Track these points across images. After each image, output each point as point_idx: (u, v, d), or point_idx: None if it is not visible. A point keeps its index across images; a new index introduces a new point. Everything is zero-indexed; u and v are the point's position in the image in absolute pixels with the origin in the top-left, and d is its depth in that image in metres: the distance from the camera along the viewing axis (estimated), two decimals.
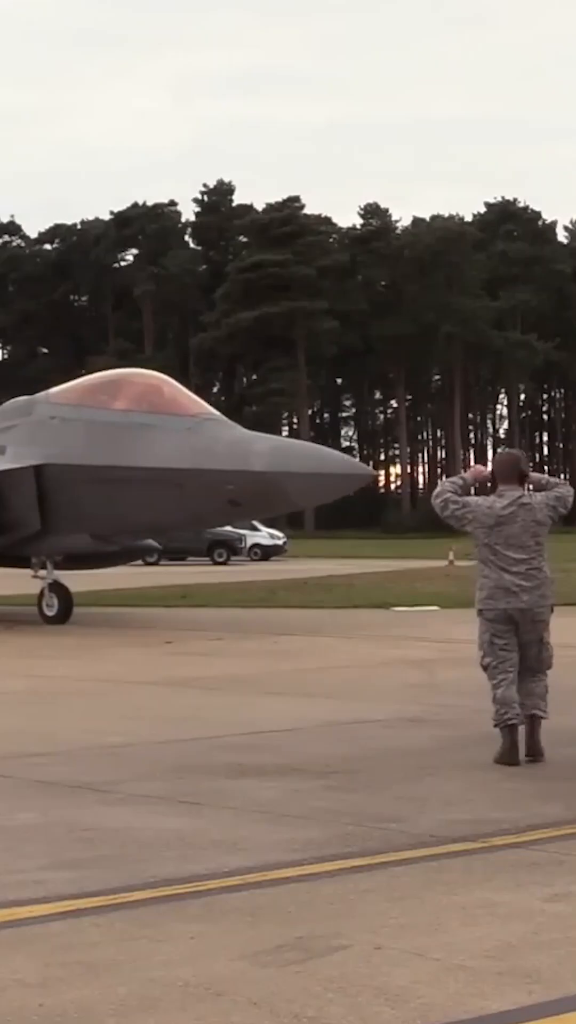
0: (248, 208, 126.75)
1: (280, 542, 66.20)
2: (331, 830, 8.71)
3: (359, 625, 25.29)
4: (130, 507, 25.17)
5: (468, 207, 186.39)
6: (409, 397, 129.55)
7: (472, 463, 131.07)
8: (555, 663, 11.80)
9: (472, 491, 11.70)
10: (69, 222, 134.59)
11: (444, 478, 12.13)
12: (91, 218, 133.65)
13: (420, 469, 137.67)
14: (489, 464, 14.84)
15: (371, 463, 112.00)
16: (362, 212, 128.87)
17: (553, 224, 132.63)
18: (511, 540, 11.34)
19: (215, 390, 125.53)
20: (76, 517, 25.44)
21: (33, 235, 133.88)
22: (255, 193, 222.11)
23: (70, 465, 25.51)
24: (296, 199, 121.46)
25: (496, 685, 11.21)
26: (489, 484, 11.80)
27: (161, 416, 25.31)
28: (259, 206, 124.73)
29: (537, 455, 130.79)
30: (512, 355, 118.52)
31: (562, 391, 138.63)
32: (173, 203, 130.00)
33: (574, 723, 13.00)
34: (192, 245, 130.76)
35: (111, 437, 25.38)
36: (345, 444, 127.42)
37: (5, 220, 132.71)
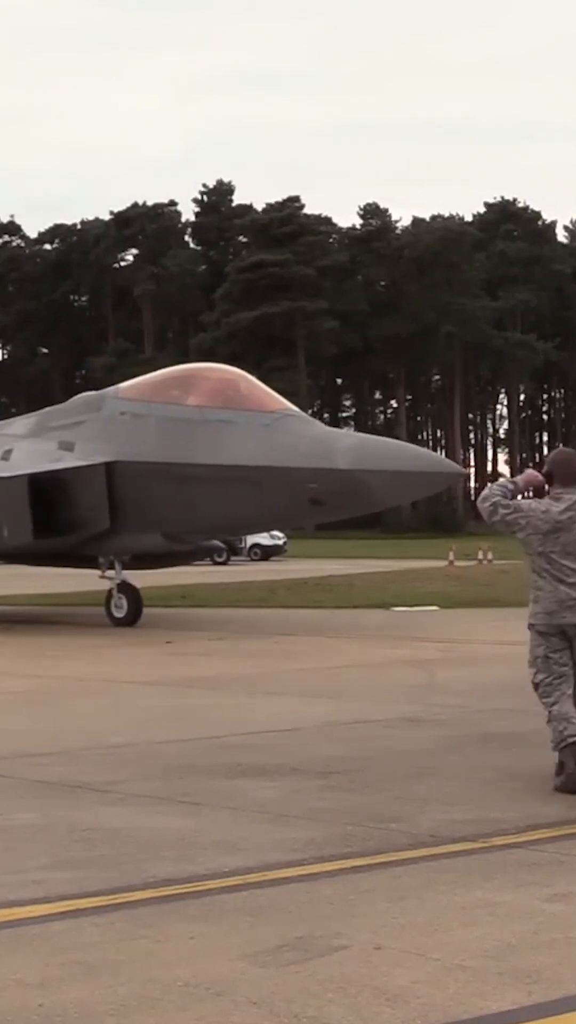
0: (248, 208, 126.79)
1: (280, 542, 66.16)
2: (331, 830, 8.71)
3: (359, 625, 25.29)
4: (205, 506, 24.46)
5: (468, 207, 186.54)
6: (409, 397, 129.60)
7: (472, 463, 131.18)
8: None
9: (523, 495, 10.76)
10: (69, 222, 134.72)
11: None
12: (91, 218, 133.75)
13: None
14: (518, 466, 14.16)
15: None
16: (362, 212, 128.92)
17: (553, 224, 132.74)
18: (569, 548, 10.32)
19: None
20: (148, 516, 24.81)
21: (33, 235, 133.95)
22: (255, 193, 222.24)
23: (142, 462, 24.83)
24: (296, 199, 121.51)
25: (552, 703, 10.34)
26: (546, 487, 10.70)
27: (238, 412, 24.52)
28: (259, 206, 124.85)
29: (537, 455, 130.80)
30: (512, 355, 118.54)
31: (562, 391, 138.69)
32: (173, 203, 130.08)
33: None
34: (192, 245, 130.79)
35: (185, 434, 24.64)
36: None
37: (5, 220, 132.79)
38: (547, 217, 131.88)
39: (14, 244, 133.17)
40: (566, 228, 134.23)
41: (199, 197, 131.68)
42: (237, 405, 24.68)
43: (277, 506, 24.36)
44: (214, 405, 24.74)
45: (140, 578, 27.32)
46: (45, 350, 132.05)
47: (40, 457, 25.90)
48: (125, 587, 25.46)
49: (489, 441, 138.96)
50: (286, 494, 23.79)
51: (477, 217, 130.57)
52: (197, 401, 25.00)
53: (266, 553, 65.07)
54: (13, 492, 24.92)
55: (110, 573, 25.82)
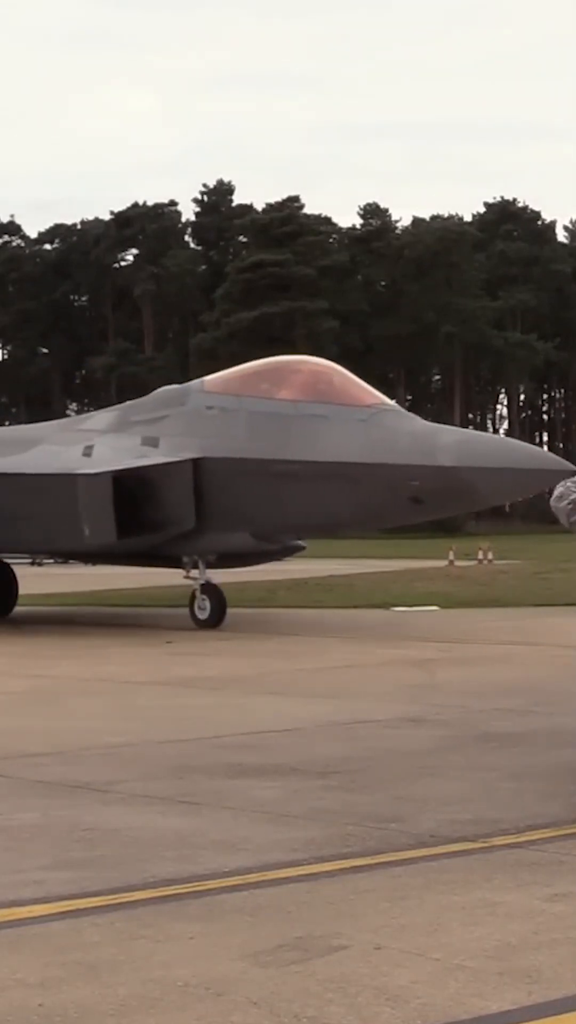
0: (248, 208, 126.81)
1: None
2: (331, 830, 8.71)
3: (359, 625, 25.28)
4: (298, 504, 23.59)
5: (468, 207, 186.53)
6: (409, 397, 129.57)
7: None
8: (555, 664, 11.82)
9: None
10: (69, 222, 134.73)
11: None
12: (91, 218, 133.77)
13: None
14: None
15: None
16: (362, 212, 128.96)
17: (553, 224, 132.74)
18: None
19: None
20: (237, 514, 23.93)
21: (33, 235, 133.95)
22: (255, 193, 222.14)
23: (231, 459, 23.93)
24: (296, 199, 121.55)
25: None
26: None
27: (332, 406, 23.60)
28: (259, 206, 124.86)
29: None
30: (512, 355, 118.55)
31: (562, 391, 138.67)
32: (173, 203, 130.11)
33: (574, 723, 13.00)
34: (192, 245, 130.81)
35: (277, 429, 23.76)
36: None
37: (5, 220, 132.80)
38: (547, 217, 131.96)
39: (14, 244, 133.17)
40: (566, 228, 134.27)
41: (199, 197, 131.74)
42: (331, 399, 23.81)
43: (375, 504, 23.51)
44: (307, 399, 23.94)
45: (140, 578, 27.34)
46: (45, 350, 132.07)
47: (123, 453, 24.94)
48: (209, 588, 24.65)
49: None
50: (385, 492, 22.94)
51: (477, 217, 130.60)
52: (289, 395, 24.15)
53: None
54: (96, 490, 23.97)
55: (194, 573, 24.85)
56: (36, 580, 34.83)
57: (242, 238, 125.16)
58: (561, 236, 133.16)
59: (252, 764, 11.10)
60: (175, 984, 5.87)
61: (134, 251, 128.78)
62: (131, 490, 24.03)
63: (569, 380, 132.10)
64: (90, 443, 25.50)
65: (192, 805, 9.58)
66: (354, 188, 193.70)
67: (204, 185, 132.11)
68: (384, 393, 25.07)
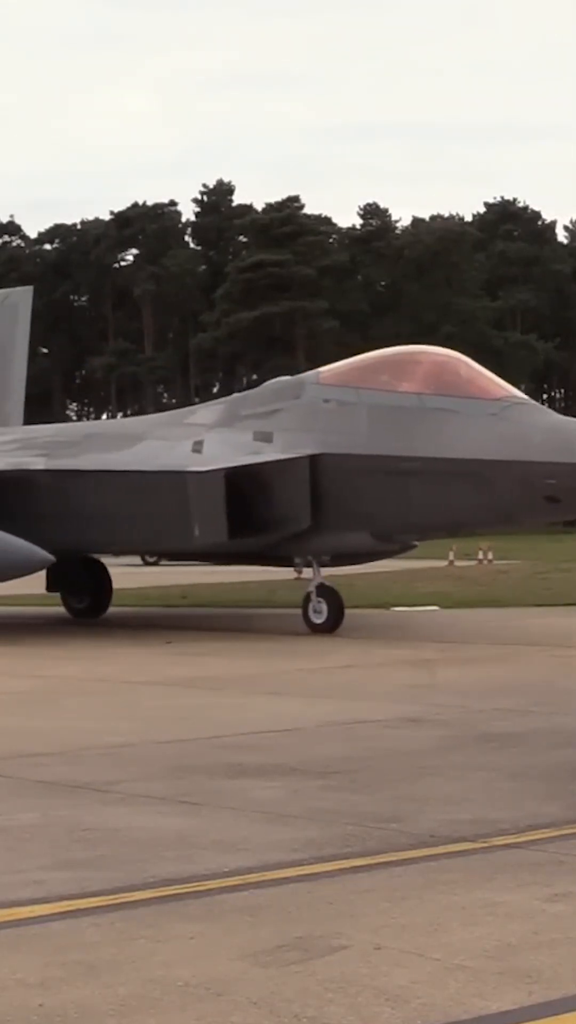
0: (248, 208, 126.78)
1: None
2: (331, 830, 8.71)
3: (359, 625, 25.28)
4: (422, 504, 22.34)
5: (468, 207, 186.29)
6: None
7: None
8: (555, 664, 11.83)
9: None
10: (69, 222, 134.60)
11: None
12: (91, 218, 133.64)
13: None
14: None
15: None
16: (362, 212, 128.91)
17: (553, 224, 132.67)
18: None
19: (215, 390, 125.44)
20: (356, 513, 22.71)
21: (33, 235, 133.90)
22: (255, 193, 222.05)
23: (351, 455, 22.64)
24: (296, 199, 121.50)
25: None
26: None
27: (459, 400, 22.24)
28: (259, 206, 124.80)
29: None
30: (512, 355, 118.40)
31: (562, 391, 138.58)
32: (173, 203, 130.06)
33: (574, 723, 13.01)
34: (192, 245, 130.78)
35: (399, 423, 22.46)
36: None
37: (5, 220, 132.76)
38: (547, 217, 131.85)
39: (14, 244, 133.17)
40: (566, 228, 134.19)
41: (199, 197, 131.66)
42: (458, 392, 22.45)
43: (507, 504, 22.24)
44: (432, 392, 22.56)
45: (140, 578, 27.32)
46: (45, 350, 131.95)
47: (235, 449, 23.70)
48: (325, 590, 23.46)
49: None
50: (518, 491, 21.69)
51: (477, 217, 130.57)
52: (412, 387, 22.81)
53: None
54: (208, 488, 23.07)
55: (307, 573, 23.73)
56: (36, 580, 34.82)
57: (242, 238, 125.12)
58: (561, 236, 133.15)
59: (252, 764, 11.10)
60: (175, 984, 5.88)
61: (134, 251, 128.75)
62: (243, 488, 23.07)
63: (569, 380, 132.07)
64: (199, 438, 24.28)
65: (192, 805, 9.58)
66: (354, 188, 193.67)
67: (204, 185, 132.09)
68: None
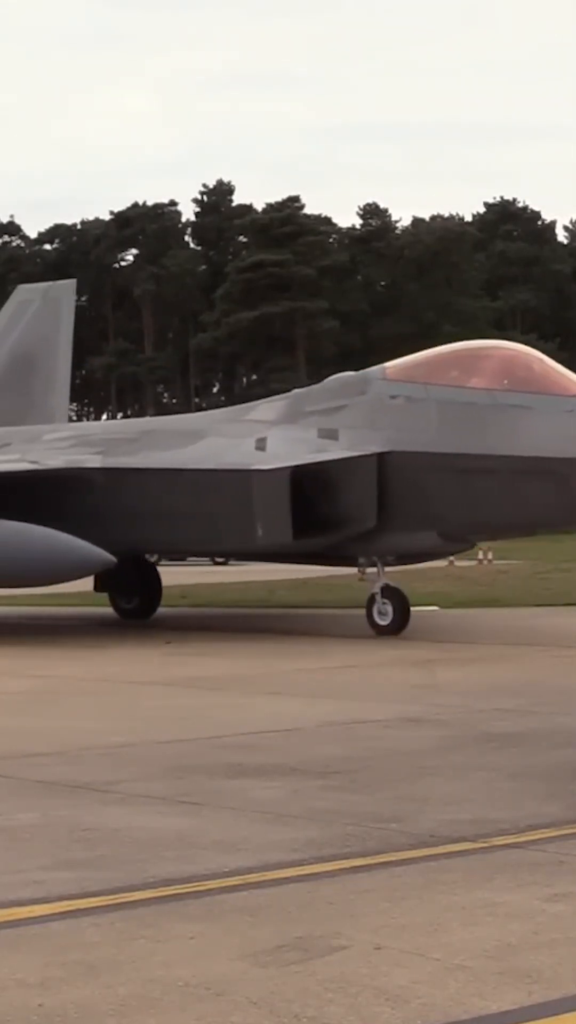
0: (248, 208, 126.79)
1: None
2: (331, 830, 8.71)
3: (359, 625, 25.27)
4: (494, 503, 21.65)
5: (468, 207, 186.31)
6: None
7: None
8: (555, 664, 11.83)
9: None
10: (69, 222, 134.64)
11: None
12: (91, 218, 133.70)
13: None
14: None
15: None
16: (362, 212, 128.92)
17: (552, 224, 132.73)
18: None
19: (215, 390, 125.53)
20: (424, 513, 22.02)
21: (33, 235, 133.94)
22: (255, 193, 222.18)
23: (420, 452, 21.94)
24: (296, 199, 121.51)
25: None
26: None
27: (534, 396, 21.54)
28: (259, 206, 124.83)
29: None
30: None
31: None
32: (173, 203, 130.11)
33: (574, 723, 13.01)
34: (192, 245, 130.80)
35: (471, 420, 21.80)
36: None
37: (5, 220, 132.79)
38: (547, 217, 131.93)
39: (14, 244, 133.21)
40: (566, 228, 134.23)
41: (199, 197, 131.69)
42: (533, 388, 21.72)
43: None
44: (505, 387, 21.91)
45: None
46: None
47: (300, 447, 23.00)
48: (390, 591, 22.71)
49: None
50: None
51: (477, 217, 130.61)
52: (484, 383, 22.12)
53: None
54: (272, 487, 22.44)
55: (370, 572, 22.99)
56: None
57: (242, 238, 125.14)
58: (561, 236, 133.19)
59: (252, 764, 11.10)
60: (175, 984, 5.88)
61: (134, 251, 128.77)
62: (307, 486, 22.46)
63: None
64: (262, 435, 23.57)
65: (192, 805, 9.58)
66: (354, 188, 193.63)
67: (204, 185, 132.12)
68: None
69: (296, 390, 25.77)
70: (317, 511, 22.39)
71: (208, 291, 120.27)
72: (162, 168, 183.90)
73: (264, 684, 16.90)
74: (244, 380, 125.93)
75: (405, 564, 24.20)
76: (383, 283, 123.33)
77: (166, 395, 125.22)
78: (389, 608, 22.58)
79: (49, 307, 31.78)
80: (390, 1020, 5.45)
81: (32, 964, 6.16)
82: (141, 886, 7.45)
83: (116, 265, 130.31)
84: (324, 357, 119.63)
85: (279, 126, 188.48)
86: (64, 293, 32.71)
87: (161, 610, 28.36)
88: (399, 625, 22.46)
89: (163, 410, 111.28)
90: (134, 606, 27.38)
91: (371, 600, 22.85)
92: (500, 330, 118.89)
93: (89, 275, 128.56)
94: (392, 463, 22.11)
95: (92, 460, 24.57)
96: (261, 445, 23.31)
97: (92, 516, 23.51)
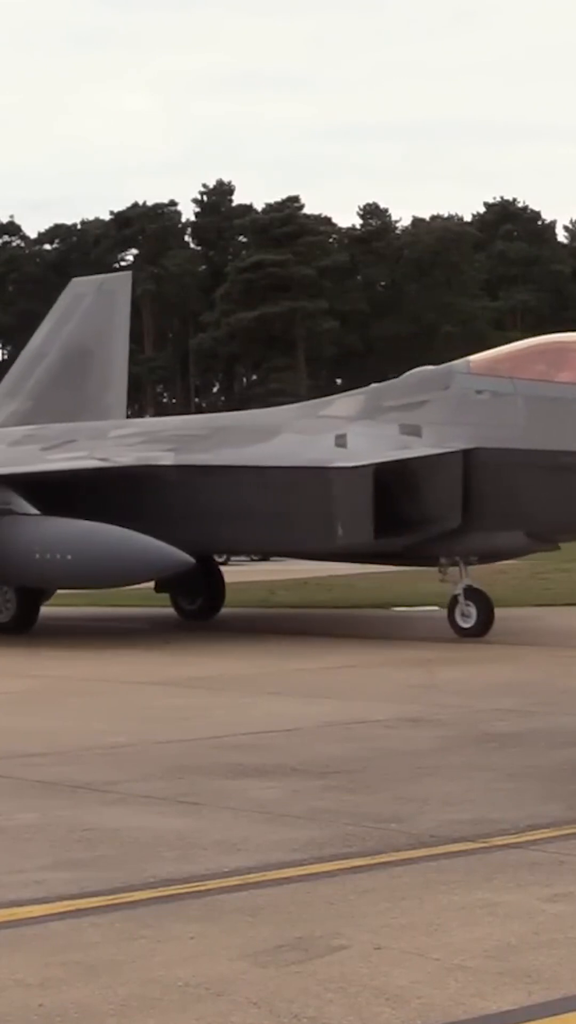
0: (248, 208, 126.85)
1: None
2: (331, 830, 8.71)
3: (359, 625, 25.28)
4: None
5: (468, 207, 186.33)
6: None
7: None
8: (555, 664, 11.83)
9: None
10: (69, 222, 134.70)
11: None
12: (91, 218, 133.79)
13: None
14: None
15: None
16: (362, 212, 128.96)
17: (552, 224, 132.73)
18: None
19: (215, 390, 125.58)
20: (511, 512, 21.25)
21: (33, 235, 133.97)
22: (255, 193, 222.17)
23: (508, 449, 21.14)
24: (296, 199, 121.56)
25: None
26: None
27: None
28: (259, 206, 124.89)
29: None
30: None
31: None
32: (173, 203, 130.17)
33: (574, 723, 13.00)
34: (192, 245, 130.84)
35: (560, 415, 21.01)
36: None
37: (5, 220, 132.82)
38: (547, 217, 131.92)
39: (14, 244, 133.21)
40: (566, 228, 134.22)
41: (199, 197, 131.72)
42: None
43: None
44: None
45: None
46: None
47: (382, 443, 22.13)
48: (473, 592, 21.91)
49: None
50: None
51: (477, 217, 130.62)
52: (573, 377, 21.40)
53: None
54: (355, 485, 21.66)
55: (452, 572, 22.17)
56: None
57: (242, 238, 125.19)
58: (561, 236, 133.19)
59: (252, 764, 11.10)
60: (175, 984, 5.88)
61: (134, 251, 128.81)
62: (388, 484, 21.67)
63: None
64: (341, 432, 22.73)
65: (192, 805, 9.58)
66: (354, 188, 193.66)
67: (204, 185, 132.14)
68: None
69: (373, 385, 25.03)
70: (398, 510, 21.65)
71: (208, 291, 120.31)
72: (162, 168, 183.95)
73: (264, 684, 16.90)
74: (244, 380, 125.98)
75: (487, 563, 23.55)
76: (383, 283, 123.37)
77: (166, 395, 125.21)
78: (473, 610, 21.82)
79: (104, 300, 30.70)
80: (390, 1020, 5.45)
81: (32, 964, 6.16)
82: (141, 886, 7.45)
83: (116, 265, 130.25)
84: (324, 357, 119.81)
85: (279, 126, 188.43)
86: (120, 285, 31.69)
87: (161, 610, 28.33)
88: (483, 627, 21.68)
89: (163, 410, 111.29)
90: (197, 607, 26.63)
91: (453, 602, 22.01)
92: (500, 330, 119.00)
93: (89, 275, 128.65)
94: (479, 460, 21.36)
95: (165, 457, 23.74)
96: (341, 442, 22.52)
97: (163, 515, 22.84)
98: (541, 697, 14.86)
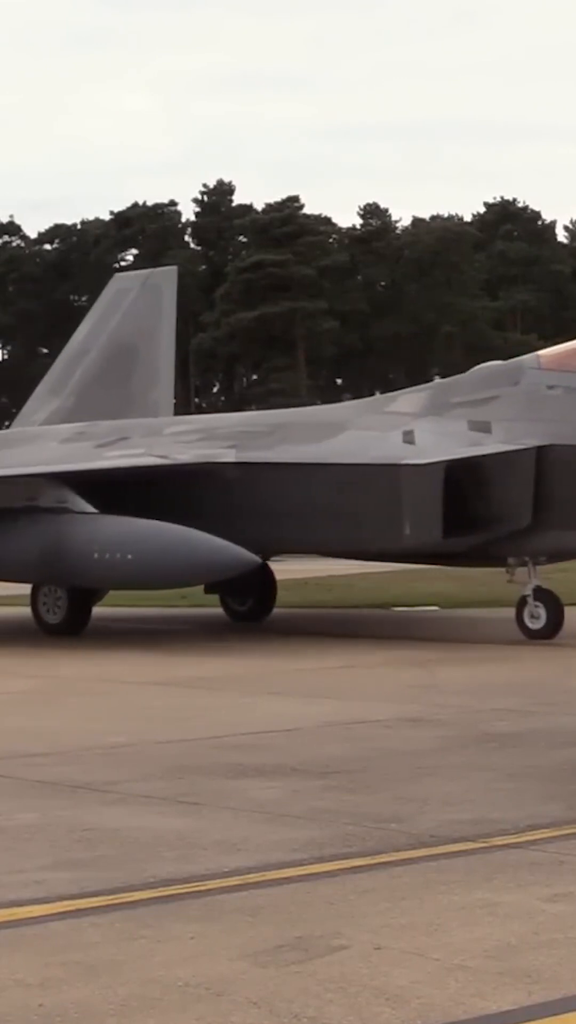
0: (248, 208, 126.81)
1: None
2: (331, 830, 8.71)
3: (359, 625, 25.28)
4: None
5: (468, 207, 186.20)
6: None
7: None
8: (555, 664, 11.84)
9: None
10: (69, 222, 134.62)
11: None
12: (91, 218, 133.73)
13: None
14: None
15: None
16: (362, 212, 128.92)
17: (552, 224, 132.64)
18: None
19: (215, 390, 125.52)
20: None
21: (33, 235, 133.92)
22: (255, 193, 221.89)
23: None
24: (296, 199, 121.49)
25: None
26: None
27: None
28: (259, 206, 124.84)
29: None
30: (512, 355, 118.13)
31: None
32: (173, 203, 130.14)
33: (574, 723, 13.00)
34: (192, 245, 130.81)
35: None
36: None
37: (5, 220, 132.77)
38: (547, 217, 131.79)
39: (14, 244, 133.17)
40: (566, 228, 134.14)
41: (199, 197, 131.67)
42: None
43: None
44: None
45: None
46: (45, 350, 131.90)
47: (451, 440, 21.59)
48: (543, 593, 21.32)
49: None
50: None
51: (477, 217, 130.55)
52: None
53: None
54: (424, 483, 21.12)
55: (520, 573, 21.63)
56: None
57: (242, 238, 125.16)
58: (561, 236, 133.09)
59: (252, 764, 11.10)
60: (175, 984, 5.88)
61: (134, 251, 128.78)
62: (457, 482, 21.20)
63: None
64: (408, 428, 22.15)
65: (192, 805, 9.58)
66: (354, 188, 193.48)
67: (204, 185, 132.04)
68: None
69: (438, 380, 24.39)
70: (466, 508, 21.19)
71: (208, 291, 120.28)
72: (162, 168, 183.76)
73: (264, 684, 16.90)
74: (244, 380, 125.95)
75: (555, 562, 22.93)
76: (383, 283, 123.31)
77: None
78: (542, 611, 21.23)
79: (149, 295, 29.92)
80: (390, 1020, 5.45)
81: (32, 964, 6.16)
82: (141, 886, 7.45)
83: (116, 265, 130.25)
84: (324, 357, 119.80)
85: (279, 126, 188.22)
86: (165, 280, 30.70)
87: (160, 611, 28.34)
88: (553, 629, 21.08)
89: None
90: (247, 608, 26.17)
91: (522, 603, 21.47)
92: (500, 330, 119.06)
93: (89, 275, 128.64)
94: (552, 457, 20.87)
95: (226, 454, 23.12)
96: (409, 438, 21.95)
97: (223, 513, 22.31)
98: (541, 697, 14.86)
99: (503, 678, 16.94)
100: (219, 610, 28.34)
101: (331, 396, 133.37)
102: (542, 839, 8.44)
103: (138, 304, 29.82)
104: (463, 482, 21.15)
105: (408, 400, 23.53)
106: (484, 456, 21.13)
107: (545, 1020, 5.43)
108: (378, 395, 25.76)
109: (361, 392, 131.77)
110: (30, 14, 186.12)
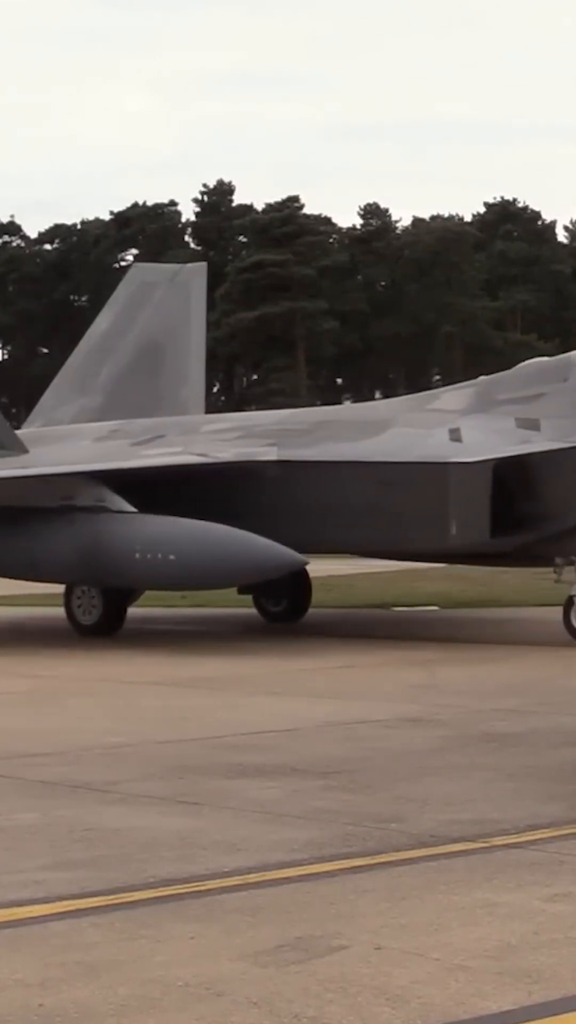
0: (248, 208, 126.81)
1: None
2: (331, 830, 8.71)
3: (359, 625, 25.28)
4: None
5: (468, 207, 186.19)
6: None
7: None
8: (555, 664, 11.84)
9: None
10: (69, 222, 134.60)
11: None
12: (91, 218, 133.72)
13: None
14: None
15: None
16: (362, 212, 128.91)
17: (552, 224, 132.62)
18: None
19: (215, 390, 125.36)
20: None
21: (33, 235, 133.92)
22: (255, 193, 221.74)
23: None
24: (296, 199, 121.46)
25: None
26: None
27: None
28: (259, 206, 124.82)
29: None
30: (512, 355, 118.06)
31: None
32: (173, 203, 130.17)
33: (574, 723, 13.00)
34: (192, 245, 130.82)
35: None
36: None
37: (5, 220, 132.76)
38: (547, 217, 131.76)
39: (14, 244, 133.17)
40: (566, 228, 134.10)
41: (199, 197, 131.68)
42: None
43: None
44: None
45: None
46: (45, 350, 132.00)
47: (499, 438, 21.17)
48: None
49: None
50: None
51: (477, 217, 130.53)
52: None
53: None
54: (472, 481, 20.68)
55: (567, 574, 21.18)
56: None
57: (242, 238, 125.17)
58: (561, 236, 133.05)
59: (252, 764, 11.10)
60: (175, 984, 5.88)
61: (134, 251, 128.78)
62: (503, 480, 20.81)
63: None
64: (454, 425, 21.72)
65: (192, 805, 9.58)
66: (354, 188, 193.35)
67: (204, 185, 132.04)
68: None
69: (483, 377, 24.05)
70: (513, 507, 20.80)
71: (208, 291, 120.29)
72: (162, 168, 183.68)
73: (264, 684, 16.89)
74: (244, 380, 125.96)
75: None
76: (383, 283, 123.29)
77: None
78: None
79: (178, 292, 29.49)
80: (390, 1020, 5.45)
81: (32, 964, 6.16)
82: (141, 886, 7.45)
83: (116, 265, 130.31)
84: (324, 357, 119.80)
85: (279, 126, 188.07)
86: (195, 276, 30.37)
87: (158, 611, 28.31)
88: None
89: None
90: (282, 609, 25.71)
91: (569, 603, 20.89)
92: (500, 330, 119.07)
93: (89, 275, 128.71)
94: None
95: (267, 452, 22.64)
96: (456, 436, 21.51)
97: (264, 512, 21.84)
98: (541, 697, 14.87)
99: (503, 678, 16.93)
100: (219, 610, 28.39)
101: (331, 396, 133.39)
102: (542, 839, 8.44)
103: (167, 301, 29.29)
104: (509, 480, 20.82)
105: (452, 397, 23.15)
106: (532, 454, 20.79)
107: (545, 1020, 5.43)
108: (423, 392, 25.06)
109: (361, 392, 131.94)
110: (30, 14, 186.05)
